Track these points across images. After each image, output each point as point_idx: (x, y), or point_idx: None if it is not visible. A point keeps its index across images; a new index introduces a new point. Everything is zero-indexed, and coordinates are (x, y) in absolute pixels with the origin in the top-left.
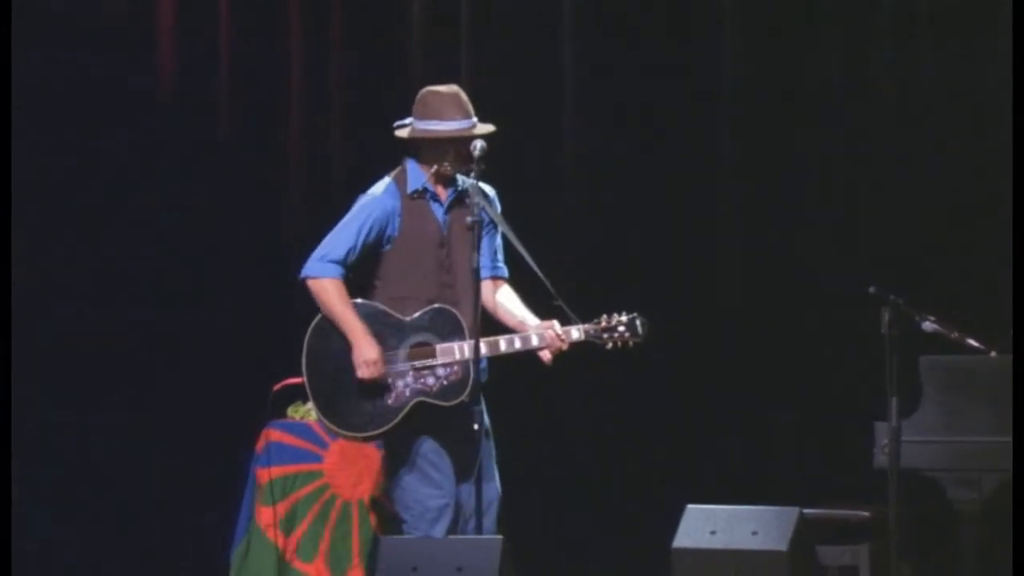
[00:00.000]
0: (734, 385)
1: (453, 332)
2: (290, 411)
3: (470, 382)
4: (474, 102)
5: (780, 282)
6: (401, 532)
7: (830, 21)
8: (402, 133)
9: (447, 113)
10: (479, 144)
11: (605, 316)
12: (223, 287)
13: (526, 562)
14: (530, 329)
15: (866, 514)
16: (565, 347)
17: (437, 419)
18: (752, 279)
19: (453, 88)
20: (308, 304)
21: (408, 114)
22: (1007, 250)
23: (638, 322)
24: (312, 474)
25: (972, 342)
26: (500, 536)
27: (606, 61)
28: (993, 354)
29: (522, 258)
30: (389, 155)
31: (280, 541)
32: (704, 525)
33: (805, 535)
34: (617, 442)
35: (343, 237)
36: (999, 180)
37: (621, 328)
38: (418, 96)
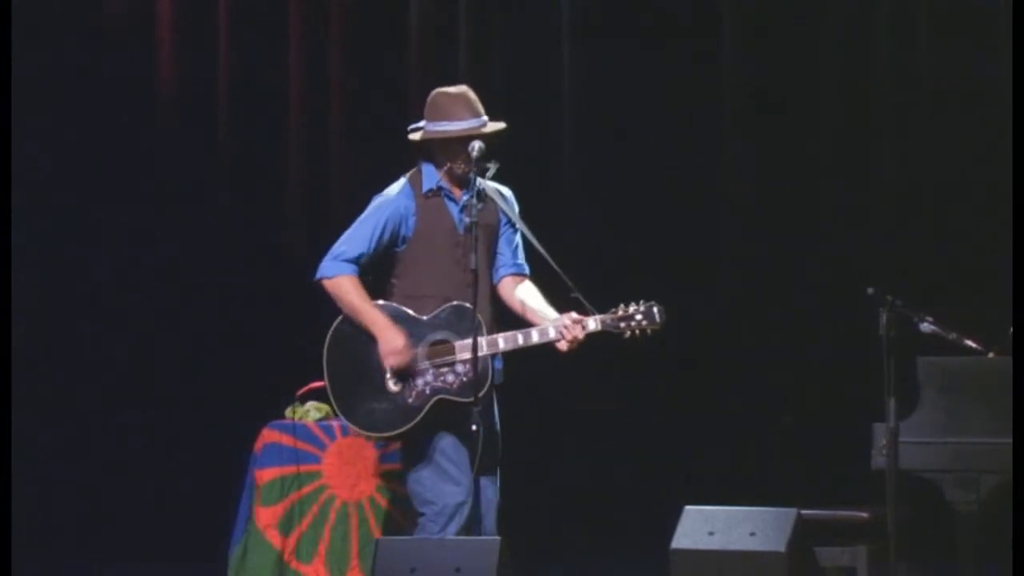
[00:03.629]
0: (732, 386)
1: (471, 329)
2: (288, 412)
3: (489, 378)
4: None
5: (779, 283)
6: (400, 532)
7: (830, 21)
8: (415, 136)
9: (457, 113)
10: (477, 145)
11: (622, 305)
12: (223, 286)
13: (524, 563)
14: (547, 322)
15: (864, 515)
16: (581, 336)
17: (456, 416)
18: (751, 281)
19: (462, 88)
20: (309, 304)
21: (416, 118)
22: (1006, 250)
23: (655, 309)
24: (311, 475)
25: (970, 343)
26: (498, 537)
27: (605, 62)
28: (991, 355)
29: (539, 255)
30: (389, 152)
31: (279, 542)
32: (702, 526)
33: (803, 536)
34: (616, 443)
35: (356, 237)
36: (999, 180)
37: (639, 316)
38: (428, 98)
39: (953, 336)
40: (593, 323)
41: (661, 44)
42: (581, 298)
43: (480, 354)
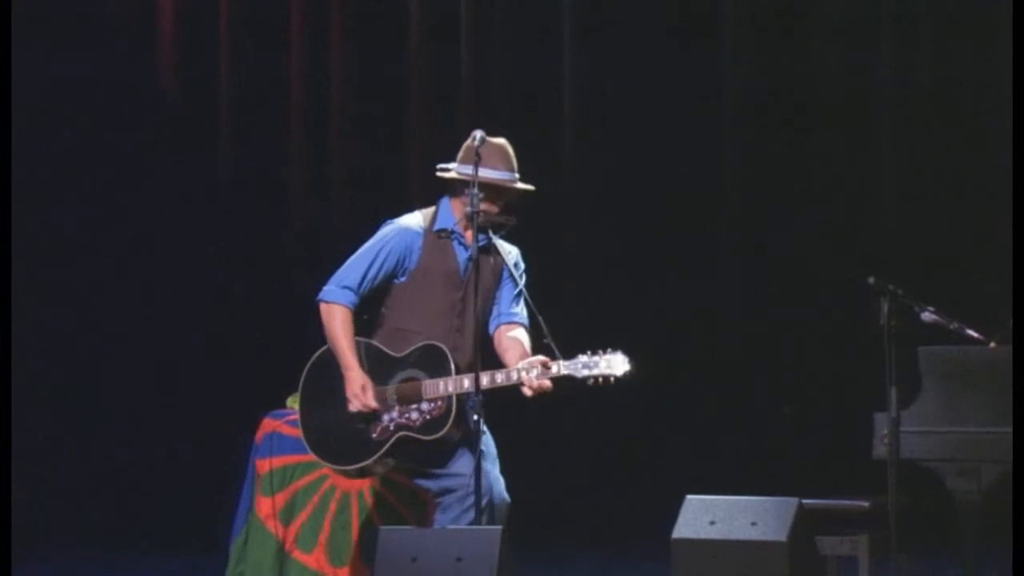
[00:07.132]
0: (734, 376)
1: (440, 368)
2: (289, 402)
3: (452, 417)
4: (474, 106)
5: (780, 274)
6: (400, 522)
7: (830, 22)
8: (447, 175)
9: (492, 162)
10: (479, 134)
11: (589, 352)
12: (225, 279)
13: (525, 552)
14: (513, 365)
15: (865, 504)
16: (547, 385)
17: (419, 453)
18: (752, 271)
19: (502, 140)
20: (308, 300)
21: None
22: (1006, 241)
23: (621, 358)
24: (311, 464)
25: (971, 332)
26: (499, 527)
27: (605, 64)
28: (992, 344)
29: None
30: (389, 152)
31: (279, 532)
32: (703, 516)
33: (804, 525)
34: (617, 433)
35: (360, 264)
36: (999, 172)
37: (603, 364)
38: (467, 142)
39: (954, 326)
40: (555, 367)
41: (661, 44)
42: (552, 345)
43: (444, 393)
